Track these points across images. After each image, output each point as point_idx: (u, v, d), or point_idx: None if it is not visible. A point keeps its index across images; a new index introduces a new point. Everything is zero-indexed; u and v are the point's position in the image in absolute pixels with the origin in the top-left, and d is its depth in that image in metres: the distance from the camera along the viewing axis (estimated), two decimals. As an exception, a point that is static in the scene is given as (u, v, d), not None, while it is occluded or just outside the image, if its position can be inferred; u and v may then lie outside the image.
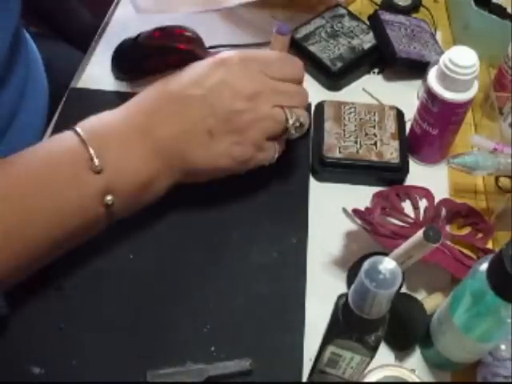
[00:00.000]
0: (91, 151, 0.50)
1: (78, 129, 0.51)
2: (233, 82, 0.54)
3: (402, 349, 0.55)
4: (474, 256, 0.59)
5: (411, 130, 0.68)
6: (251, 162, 0.58)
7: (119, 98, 0.60)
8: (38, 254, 0.50)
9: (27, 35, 0.73)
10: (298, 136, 0.59)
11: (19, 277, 0.51)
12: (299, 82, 0.59)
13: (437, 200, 0.64)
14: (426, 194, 0.65)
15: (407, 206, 0.64)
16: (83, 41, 0.80)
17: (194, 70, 0.56)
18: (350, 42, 0.76)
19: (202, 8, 0.66)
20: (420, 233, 0.47)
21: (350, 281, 0.58)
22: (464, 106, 0.61)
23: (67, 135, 0.52)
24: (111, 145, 0.52)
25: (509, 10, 0.77)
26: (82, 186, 0.50)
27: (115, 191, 0.51)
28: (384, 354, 0.54)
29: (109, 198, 0.51)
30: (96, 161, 0.50)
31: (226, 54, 0.57)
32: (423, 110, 0.63)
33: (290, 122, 0.57)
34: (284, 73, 0.58)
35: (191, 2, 0.67)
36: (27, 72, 0.68)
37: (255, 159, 0.58)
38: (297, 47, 0.77)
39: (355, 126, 0.67)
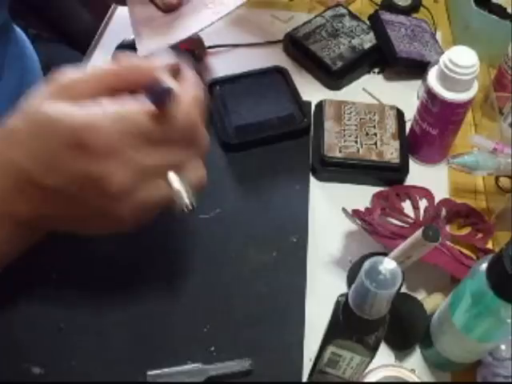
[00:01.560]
0: None
1: None
2: (97, 176, 0.41)
3: (401, 349, 0.55)
4: (473, 256, 0.59)
5: (411, 129, 0.68)
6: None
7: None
8: None
9: (24, 36, 0.73)
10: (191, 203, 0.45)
11: None
12: (186, 137, 0.44)
13: (437, 200, 0.64)
14: (426, 194, 0.65)
15: (407, 206, 0.64)
16: (83, 41, 0.80)
17: (47, 148, 0.41)
18: (350, 42, 0.76)
19: (198, 29, 0.63)
20: (419, 232, 0.47)
21: (350, 281, 0.58)
22: (464, 106, 0.61)
23: None
24: None
25: (509, 10, 0.77)
26: None
27: None
28: (384, 354, 0.54)
29: None
30: None
31: (89, 135, 0.40)
32: (423, 109, 0.63)
33: (182, 202, 0.44)
34: (174, 139, 0.44)
35: (185, 27, 0.64)
36: (21, 73, 0.68)
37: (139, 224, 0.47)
38: (297, 46, 0.77)
39: (355, 125, 0.67)
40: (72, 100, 0.41)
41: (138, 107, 0.41)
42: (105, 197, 0.42)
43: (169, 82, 0.42)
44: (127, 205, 0.43)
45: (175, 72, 0.45)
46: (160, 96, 0.41)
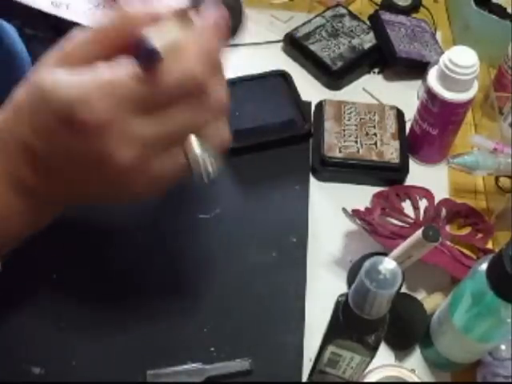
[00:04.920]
0: None
1: None
2: (98, 156, 0.38)
3: (401, 349, 0.55)
4: (473, 256, 0.59)
5: (411, 129, 0.68)
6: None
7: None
8: None
9: (15, 35, 0.72)
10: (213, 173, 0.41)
11: None
12: (203, 88, 0.39)
13: (437, 200, 0.64)
14: (426, 194, 0.65)
15: (407, 206, 0.64)
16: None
17: (46, 125, 0.39)
18: (350, 42, 0.76)
19: None
20: (419, 232, 0.47)
21: (350, 281, 0.58)
22: (464, 106, 0.61)
23: None
24: None
25: (509, 10, 0.77)
26: None
27: None
28: (384, 354, 0.54)
29: None
30: None
31: (82, 113, 0.37)
32: (423, 109, 0.63)
33: (200, 170, 0.40)
34: (177, 98, 0.39)
35: None
36: (9, 73, 0.67)
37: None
38: (297, 46, 0.77)
39: (355, 125, 0.67)
40: (71, 67, 0.39)
41: (132, 70, 0.37)
42: (112, 175, 0.39)
43: (165, 35, 0.37)
44: (140, 178, 0.40)
45: (183, 16, 0.39)
46: (146, 58, 0.36)
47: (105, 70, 0.38)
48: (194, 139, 0.39)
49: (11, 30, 0.73)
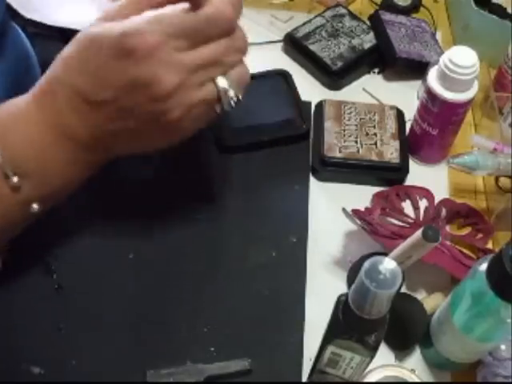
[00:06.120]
0: (8, 172, 0.45)
1: None
2: (146, 79, 0.44)
3: (401, 349, 0.55)
4: (473, 256, 0.59)
5: (411, 130, 0.68)
6: (177, 141, 0.50)
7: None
8: None
9: (23, 35, 0.72)
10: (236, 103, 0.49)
11: None
12: (228, 32, 0.46)
13: (437, 200, 0.64)
14: (426, 194, 0.65)
15: (407, 206, 0.64)
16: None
17: (97, 64, 0.45)
18: (350, 42, 0.76)
19: None
20: (419, 232, 0.47)
21: (350, 281, 0.58)
22: (464, 106, 0.61)
23: None
24: (29, 159, 0.47)
25: (509, 10, 0.77)
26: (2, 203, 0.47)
27: (40, 200, 0.48)
28: (384, 354, 0.54)
29: (35, 206, 0.47)
30: (14, 179, 0.46)
31: (132, 39, 0.43)
32: (423, 109, 0.63)
33: (227, 97, 0.47)
34: (207, 31, 0.46)
35: None
36: (20, 72, 0.67)
37: (191, 133, 0.50)
38: (297, 46, 0.77)
39: (355, 125, 0.67)
40: (116, 21, 0.45)
41: (174, 8, 0.44)
42: (155, 101, 0.44)
43: None
44: (177, 104, 0.45)
45: None
46: None
47: (152, 12, 0.44)
48: (220, 73, 0.46)
49: (21, 34, 0.73)
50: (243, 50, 0.48)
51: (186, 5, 0.43)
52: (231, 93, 0.47)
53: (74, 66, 0.45)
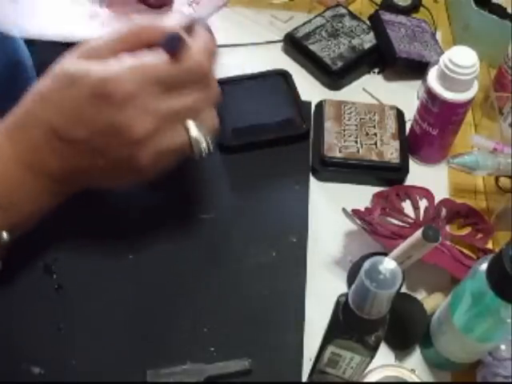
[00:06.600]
0: None
1: None
2: (121, 124, 0.45)
3: (402, 349, 0.55)
4: (473, 256, 0.59)
5: (411, 130, 0.68)
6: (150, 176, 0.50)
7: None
8: None
9: (13, 39, 0.72)
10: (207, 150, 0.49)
11: None
12: (202, 81, 0.48)
13: (437, 200, 0.64)
14: (426, 194, 0.65)
15: (407, 206, 0.64)
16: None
17: (73, 103, 0.45)
18: (350, 42, 0.76)
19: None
20: (419, 232, 0.47)
21: (350, 281, 0.58)
22: (464, 106, 0.61)
23: None
24: (3, 191, 0.47)
25: (509, 10, 0.77)
26: None
27: (9, 229, 0.48)
28: (384, 353, 0.54)
29: (4, 235, 0.48)
30: None
31: (111, 85, 0.44)
32: (423, 109, 0.63)
33: (200, 147, 0.48)
34: (188, 84, 0.47)
35: None
36: (11, 70, 0.67)
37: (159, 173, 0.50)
38: (297, 46, 0.77)
39: (355, 125, 0.67)
40: (95, 59, 0.45)
41: (153, 57, 0.45)
42: (127, 144, 0.45)
43: (181, 33, 0.46)
44: (148, 150, 0.46)
45: (189, 29, 0.48)
46: (172, 43, 0.45)
47: (131, 58, 0.45)
48: (192, 122, 0.47)
49: (11, 37, 0.72)
50: (216, 100, 0.49)
51: (165, 55, 0.45)
52: (203, 143, 0.47)
53: (51, 103, 0.46)
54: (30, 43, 0.74)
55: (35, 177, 0.48)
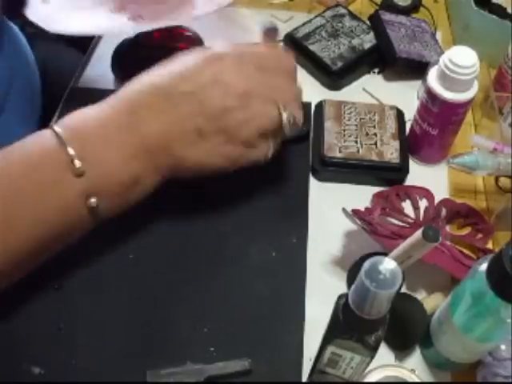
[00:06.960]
0: (72, 153, 0.47)
1: (58, 128, 0.48)
2: (225, 79, 0.52)
3: (402, 349, 0.55)
4: (473, 256, 0.59)
5: (411, 130, 0.68)
6: (242, 160, 0.55)
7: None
8: (23, 259, 0.48)
9: (20, 35, 0.73)
10: (293, 134, 0.57)
11: (7, 280, 0.49)
12: (292, 76, 0.58)
13: (437, 200, 0.64)
14: (426, 194, 0.65)
15: (407, 206, 0.64)
16: (83, 41, 0.80)
17: (185, 65, 0.53)
18: (350, 42, 0.76)
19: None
20: (419, 232, 0.47)
21: (350, 281, 0.58)
22: (464, 106, 0.61)
23: (45, 136, 0.48)
24: (94, 145, 0.49)
25: (509, 10, 0.77)
26: (62, 189, 0.47)
27: (99, 193, 0.49)
28: (384, 353, 0.54)
29: (92, 200, 0.48)
30: (77, 163, 0.47)
31: (219, 48, 0.55)
32: (423, 109, 0.63)
33: (284, 117, 0.54)
34: (278, 67, 0.56)
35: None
36: (15, 70, 0.67)
37: (246, 157, 0.55)
38: (297, 46, 0.77)
39: (355, 125, 0.67)
40: None
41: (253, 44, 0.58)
42: (227, 97, 0.52)
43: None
44: (245, 114, 0.53)
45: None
46: (269, 31, 0.60)
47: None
48: (283, 107, 0.55)
49: (18, 33, 0.73)
50: (300, 98, 0.58)
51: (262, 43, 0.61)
52: (291, 120, 0.55)
53: (151, 117, 0.51)
54: (33, 40, 0.74)
55: (130, 135, 0.50)
